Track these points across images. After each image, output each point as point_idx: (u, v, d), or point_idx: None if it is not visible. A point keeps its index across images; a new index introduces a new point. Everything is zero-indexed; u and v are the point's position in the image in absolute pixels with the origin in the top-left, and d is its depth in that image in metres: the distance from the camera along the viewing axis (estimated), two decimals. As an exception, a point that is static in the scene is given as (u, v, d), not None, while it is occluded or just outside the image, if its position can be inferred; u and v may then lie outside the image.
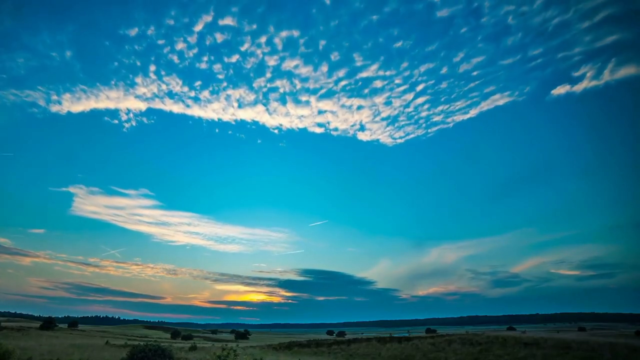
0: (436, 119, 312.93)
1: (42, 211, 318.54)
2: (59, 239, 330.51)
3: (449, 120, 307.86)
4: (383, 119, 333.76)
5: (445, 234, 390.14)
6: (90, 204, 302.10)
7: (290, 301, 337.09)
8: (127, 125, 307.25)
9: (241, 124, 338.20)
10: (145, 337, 54.70)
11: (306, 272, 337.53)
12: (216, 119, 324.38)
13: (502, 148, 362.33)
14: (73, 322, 68.11)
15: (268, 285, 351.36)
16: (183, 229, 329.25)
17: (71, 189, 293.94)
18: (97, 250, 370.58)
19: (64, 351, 22.24)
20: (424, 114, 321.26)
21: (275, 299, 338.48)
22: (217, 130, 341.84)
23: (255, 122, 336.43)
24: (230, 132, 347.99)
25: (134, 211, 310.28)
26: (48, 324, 50.70)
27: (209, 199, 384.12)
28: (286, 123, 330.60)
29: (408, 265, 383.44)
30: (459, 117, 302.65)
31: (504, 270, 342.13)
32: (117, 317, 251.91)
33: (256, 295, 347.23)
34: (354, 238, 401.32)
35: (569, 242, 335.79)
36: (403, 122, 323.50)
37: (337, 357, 29.76)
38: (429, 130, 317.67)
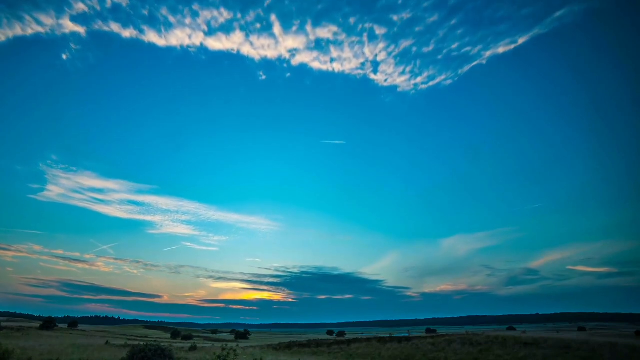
0: (473, 50, 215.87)
1: (14, 196, 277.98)
2: (38, 230, 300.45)
3: (487, 53, 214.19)
4: (402, 54, 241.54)
5: (460, 223, 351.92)
6: (63, 186, 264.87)
7: (290, 300, 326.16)
8: (69, 65, 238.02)
9: (214, 58, 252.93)
10: (145, 337, 54.69)
11: (307, 269, 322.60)
12: (178, 47, 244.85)
13: (551, 97, 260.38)
14: (73, 322, 68.23)
15: (267, 284, 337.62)
16: (171, 217, 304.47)
17: (41, 167, 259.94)
18: (83, 244, 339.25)
19: (63, 351, 22.23)
20: (455, 44, 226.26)
21: (275, 297, 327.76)
22: (182, 73, 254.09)
23: (231, 55, 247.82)
24: (200, 71, 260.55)
25: (115, 197, 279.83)
26: (48, 324, 50.70)
27: (189, 176, 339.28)
28: (273, 57, 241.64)
29: (417, 260, 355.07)
30: (502, 48, 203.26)
31: (520, 267, 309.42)
32: (116, 317, 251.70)
33: (254, 294, 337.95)
34: (358, 228, 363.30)
35: (598, 234, 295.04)
36: (428, 58, 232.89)
37: (337, 357, 29.75)
38: (460, 71, 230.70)
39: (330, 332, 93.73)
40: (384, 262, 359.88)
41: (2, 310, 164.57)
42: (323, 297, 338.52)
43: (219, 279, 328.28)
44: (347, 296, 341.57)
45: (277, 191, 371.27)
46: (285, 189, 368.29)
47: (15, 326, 48.85)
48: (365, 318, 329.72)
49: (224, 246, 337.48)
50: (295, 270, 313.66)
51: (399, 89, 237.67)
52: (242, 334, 75.90)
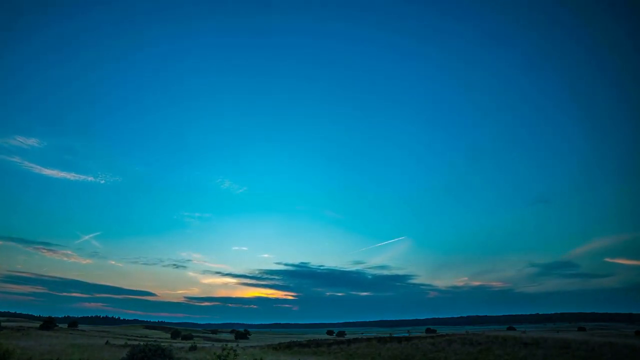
0: None
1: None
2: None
3: None
4: None
5: (485, 199, 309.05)
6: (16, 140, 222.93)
7: (290, 297, 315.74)
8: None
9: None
10: (145, 337, 54.68)
11: (306, 265, 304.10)
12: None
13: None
14: (73, 322, 68.47)
15: (266, 280, 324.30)
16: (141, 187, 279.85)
17: None
18: (58, 232, 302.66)
19: (64, 351, 22.25)
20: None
21: (275, 295, 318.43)
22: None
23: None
24: None
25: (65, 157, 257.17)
26: (48, 324, 50.70)
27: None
28: None
29: (432, 248, 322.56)
30: None
31: (556, 261, 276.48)
32: (116, 316, 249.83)
33: (253, 292, 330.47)
34: (360, 222, 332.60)
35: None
36: None
37: (337, 357, 29.76)
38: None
39: (330, 332, 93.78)
40: (391, 255, 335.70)
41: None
42: (327, 294, 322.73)
43: (211, 273, 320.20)
44: (351, 293, 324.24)
45: (267, 169, 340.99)
46: (278, 167, 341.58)
47: (15, 326, 48.88)
48: (367, 318, 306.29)
49: (208, 229, 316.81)
50: (296, 264, 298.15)
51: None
52: (242, 333, 75.89)
